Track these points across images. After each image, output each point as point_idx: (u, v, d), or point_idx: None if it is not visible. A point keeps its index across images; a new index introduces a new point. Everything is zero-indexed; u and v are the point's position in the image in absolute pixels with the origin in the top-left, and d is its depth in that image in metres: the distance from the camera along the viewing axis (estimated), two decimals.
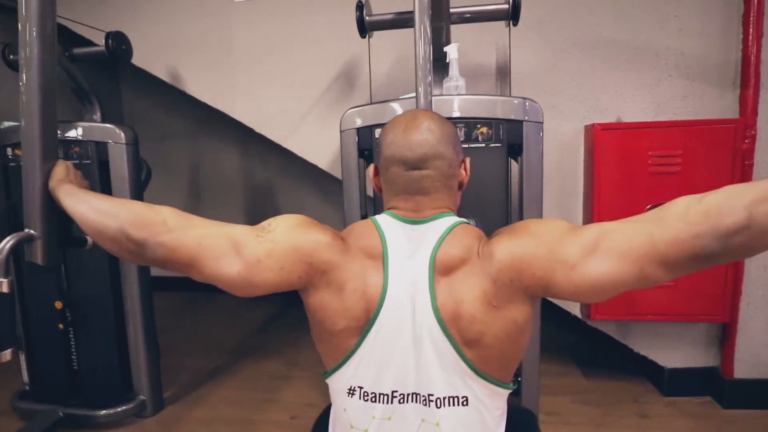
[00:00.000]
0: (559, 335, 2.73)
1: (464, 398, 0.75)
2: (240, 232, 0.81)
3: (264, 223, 0.83)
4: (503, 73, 1.99)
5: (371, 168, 0.92)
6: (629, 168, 1.82)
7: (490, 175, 1.58)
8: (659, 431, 1.82)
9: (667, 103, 1.89)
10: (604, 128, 1.82)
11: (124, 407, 1.95)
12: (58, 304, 1.94)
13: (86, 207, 0.88)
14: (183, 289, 3.79)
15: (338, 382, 0.81)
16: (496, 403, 0.79)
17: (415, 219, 0.82)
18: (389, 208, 0.86)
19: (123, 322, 1.98)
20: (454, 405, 0.75)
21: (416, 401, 0.76)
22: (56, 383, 2.00)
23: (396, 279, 0.76)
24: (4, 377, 2.33)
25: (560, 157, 1.96)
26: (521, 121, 1.57)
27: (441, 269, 0.76)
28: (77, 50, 1.96)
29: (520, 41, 1.92)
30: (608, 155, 1.82)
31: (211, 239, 0.80)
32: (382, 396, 0.77)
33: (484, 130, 1.58)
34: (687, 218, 0.65)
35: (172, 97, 3.42)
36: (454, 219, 0.82)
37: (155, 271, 2.54)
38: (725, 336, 1.93)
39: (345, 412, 0.81)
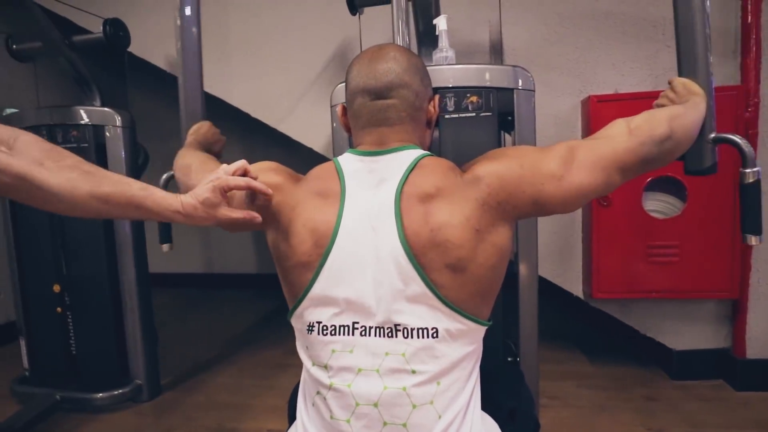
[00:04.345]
0: (562, 321, 2.66)
1: (434, 330, 0.71)
2: None
3: None
4: (497, 50, 1.97)
5: (339, 107, 0.90)
6: None
7: (482, 144, 1.55)
8: (668, 414, 1.74)
9: (665, 75, 1.85)
10: (600, 100, 1.79)
11: (120, 391, 1.94)
12: (57, 288, 1.95)
13: (178, 160, 1.14)
14: (185, 286, 3.82)
15: (299, 321, 0.79)
16: (469, 338, 0.74)
17: (376, 150, 0.80)
18: (354, 147, 0.85)
19: (120, 306, 1.99)
20: (423, 336, 0.71)
21: (380, 335, 0.72)
22: (55, 367, 2.01)
23: (353, 213, 0.75)
24: (6, 363, 2.37)
25: (556, 133, 1.92)
26: (512, 89, 1.54)
27: (412, 198, 0.74)
28: (77, 38, 2.00)
29: (513, 16, 1.90)
30: None
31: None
32: (342, 328, 0.74)
33: (474, 99, 1.55)
34: (632, 133, 0.82)
35: (176, 96, 3.48)
36: (419, 151, 0.80)
37: (156, 268, 2.56)
38: (735, 314, 1.85)
39: (307, 350, 0.78)
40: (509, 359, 1.60)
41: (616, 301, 1.95)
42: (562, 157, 0.77)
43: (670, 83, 1.03)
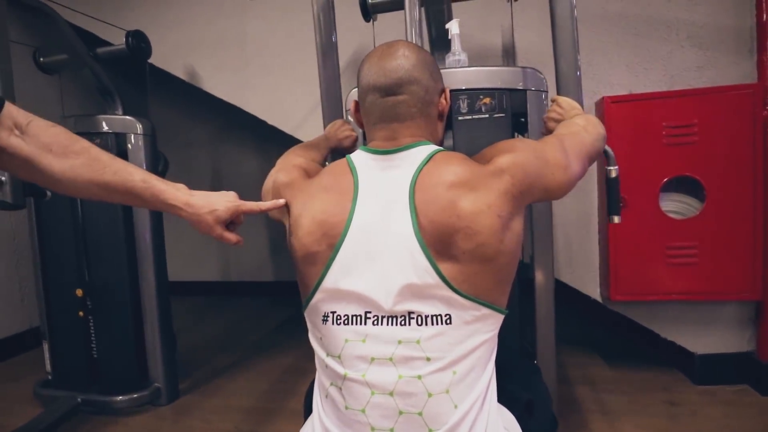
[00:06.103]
0: (580, 325, 2.63)
1: (447, 316, 0.71)
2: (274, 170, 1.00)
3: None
4: (509, 54, 1.98)
5: (352, 104, 0.92)
6: (642, 140, 1.77)
7: None
8: (691, 419, 1.71)
9: (680, 75, 1.84)
10: (614, 101, 1.78)
11: (139, 394, 1.97)
12: (79, 292, 1.99)
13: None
14: (203, 294, 3.87)
15: (313, 312, 0.80)
16: (485, 325, 0.74)
17: (388, 149, 0.82)
18: (367, 143, 0.87)
19: (140, 311, 2.02)
20: (437, 323, 0.71)
21: (393, 323, 0.73)
22: (76, 371, 2.05)
23: (365, 207, 0.76)
24: (30, 368, 2.42)
25: None
26: (525, 91, 1.55)
27: (428, 189, 0.74)
28: (100, 50, 2.07)
29: (526, 20, 1.92)
30: (619, 128, 1.77)
31: None
32: (355, 318, 0.75)
33: (487, 100, 1.56)
34: (586, 130, 0.97)
35: (194, 107, 3.57)
36: (432, 147, 0.81)
37: (175, 277, 2.60)
38: (759, 316, 1.81)
39: (320, 341, 0.79)
40: None
41: (634, 303, 1.93)
42: (561, 149, 0.85)
43: (554, 101, 1.21)
